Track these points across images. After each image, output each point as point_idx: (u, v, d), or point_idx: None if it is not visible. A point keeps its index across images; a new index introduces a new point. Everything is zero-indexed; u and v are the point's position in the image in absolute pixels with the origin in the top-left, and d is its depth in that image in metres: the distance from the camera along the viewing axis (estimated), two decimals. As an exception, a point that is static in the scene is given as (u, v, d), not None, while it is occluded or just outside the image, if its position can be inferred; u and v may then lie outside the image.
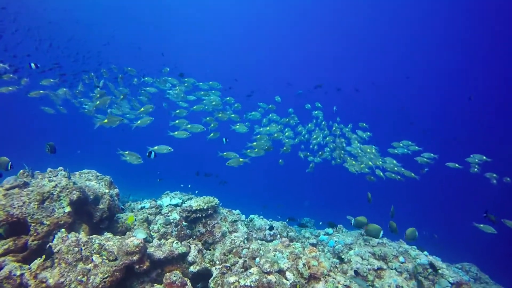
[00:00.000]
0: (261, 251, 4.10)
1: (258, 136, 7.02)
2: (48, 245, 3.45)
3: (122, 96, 7.79)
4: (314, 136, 8.68)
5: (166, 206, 5.98)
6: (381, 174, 7.35)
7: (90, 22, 28.56)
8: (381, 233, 4.19)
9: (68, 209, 4.24)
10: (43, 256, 3.36)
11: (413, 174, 7.18)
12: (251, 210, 7.81)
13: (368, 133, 9.16)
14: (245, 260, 4.26)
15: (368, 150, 7.74)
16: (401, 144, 7.95)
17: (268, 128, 7.44)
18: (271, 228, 6.19)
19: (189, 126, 5.72)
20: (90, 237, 3.68)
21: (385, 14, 26.03)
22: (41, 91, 6.34)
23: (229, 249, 4.76)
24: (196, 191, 7.95)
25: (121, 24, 30.43)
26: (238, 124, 6.86)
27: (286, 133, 8.06)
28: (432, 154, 7.68)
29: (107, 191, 5.55)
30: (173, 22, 32.14)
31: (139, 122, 7.49)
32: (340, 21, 28.34)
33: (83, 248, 3.47)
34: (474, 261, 8.89)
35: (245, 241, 5.04)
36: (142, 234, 4.62)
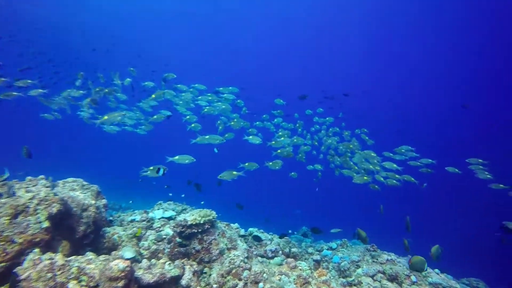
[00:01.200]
0: (264, 274, 3.61)
1: (273, 142, 6.62)
2: (13, 271, 2.92)
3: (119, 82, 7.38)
4: (329, 141, 8.29)
5: (159, 219, 5.47)
6: (382, 179, 6.99)
7: (84, 28, 27.98)
8: (426, 265, 3.78)
9: (46, 224, 3.72)
10: (7, 286, 2.84)
11: (413, 179, 6.85)
12: (252, 223, 7.34)
13: (372, 141, 8.86)
14: (246, 283, 3.77)
15: (372, 154, 7.40)
16: (403, 150, 7.65)
17: (281, 136, 7.04)
18: (257, 238, 5.74)
19: (207, 137, 5.29)
20: (68, 259, 3.16)
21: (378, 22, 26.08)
22: (14, 93, 5.83)
23: (227, 270, 4.25)
24: (202, 202, 7.49)
25: (119, 31, 29.88)
26: (251, 135, 6.51)
27: (297, 140, 7.70)
28: (430, 160, 7.37)
29: (93, 202, 5.03)
30: (173, 28, 31.70)
31: (155, 117, 7.14)
32: (335, 28, 28.31)
33: (58, 273, 2.95)
34: (474, 273, 8.56)
35: (245, 260, 4.54)
36: (130, 253, 4.11)
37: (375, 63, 32.29)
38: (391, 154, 7.63)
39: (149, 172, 4.40)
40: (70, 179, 5.57)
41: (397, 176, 7.04)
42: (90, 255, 3.50)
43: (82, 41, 27.50)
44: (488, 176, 6.93)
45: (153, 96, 7.14)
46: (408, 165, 7.50)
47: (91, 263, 3.27)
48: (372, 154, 7.31)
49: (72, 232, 4.39)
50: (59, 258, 3.07)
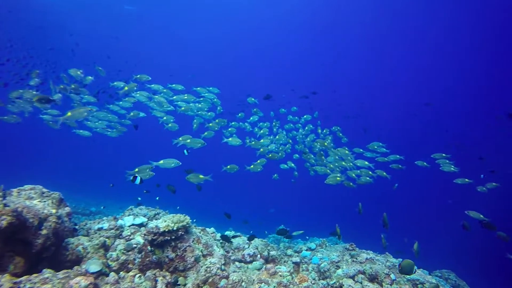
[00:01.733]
0: (243, 283, 3.40)
1: (253, 142, 6.47)
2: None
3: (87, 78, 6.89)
4: (307, 139, 8.25)
5: (129, 226, 5.09)
6: (353, 175, 7.02)
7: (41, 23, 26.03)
8: (415, 267, 3.84)
9: (-7, 240, 3.28)
10: None
11: (384, 173, 6.93)
12: (230, 225, 7.12)
13: (346, 138, 8.93)
14: (224, 293, 3.54)
15: (346, 151, 7.40)
16: (375, 146, 7.73)
17: (262, 135, 6.91)
18: (225, 239, 5.58)
19: (188, 140, 5.02)
20: (18, 280, 2.78)
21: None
22: None
23: (203, 279, 3.99)
24: (178, 207, 7.18)
25: (85, 29, 28.18)
26: (230, 135, 6.36)
27: (278, 137, 7.58)
28: (398, 156, 7.50)
29: (53, 211, 4.57)
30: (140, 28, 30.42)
31: (131, 114, 6.72)
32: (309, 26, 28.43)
33: (5, 298, 2.57)
34: (445, 265, 8.89)
35: (223, 267, 4.30)
36: (95, 266, 3.75)
37: (346, 63, 32.70)
38: (362, 150, 7.69)
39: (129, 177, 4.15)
40: (27, 187, 5.04)
41: (370, 173, 7.09)
42: (46, 273, 3.12)
43: (40, 39, 25.79)
44: (453, 168, 7.11)
45: (126, 88, 6.72)
46: (378, 162, 7.59)
47: (48, 283, 2.90)
48: (347, 151, 7.32)
49: (28, 246, 3.93)
50: (5, 280, 2.68)
